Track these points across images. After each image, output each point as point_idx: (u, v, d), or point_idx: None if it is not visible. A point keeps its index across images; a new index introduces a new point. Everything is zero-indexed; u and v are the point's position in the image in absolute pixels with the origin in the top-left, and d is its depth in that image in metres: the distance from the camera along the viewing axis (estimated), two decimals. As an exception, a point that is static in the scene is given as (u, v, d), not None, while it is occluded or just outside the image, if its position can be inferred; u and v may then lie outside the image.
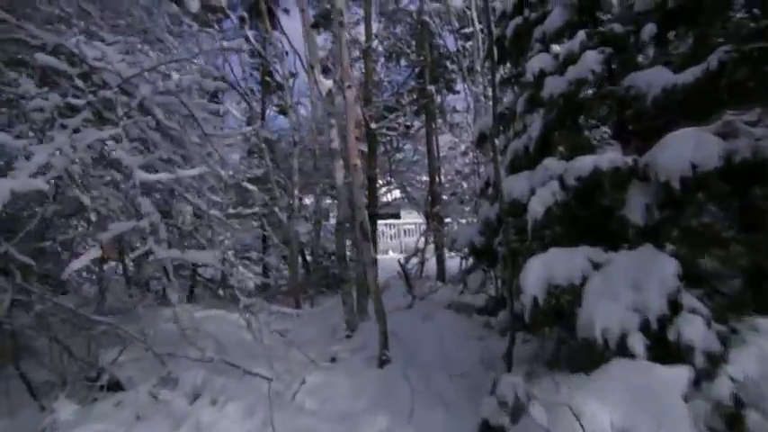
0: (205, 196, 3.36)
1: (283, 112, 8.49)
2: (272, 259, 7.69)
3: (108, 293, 5.33)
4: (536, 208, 2.59)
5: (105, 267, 5.30)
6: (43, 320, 2.98)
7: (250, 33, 8.33)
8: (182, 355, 3.32)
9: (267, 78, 9.62)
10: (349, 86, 3.91)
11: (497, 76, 3.79)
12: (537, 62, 3.26)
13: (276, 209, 5.53)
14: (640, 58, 3.27)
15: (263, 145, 7.00)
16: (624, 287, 2.10)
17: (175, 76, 2.87)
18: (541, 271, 2.35)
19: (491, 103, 3.46)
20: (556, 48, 3.49)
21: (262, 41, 8.96)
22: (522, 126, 3.83)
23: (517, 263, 3.34)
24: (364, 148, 8.03)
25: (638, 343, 1.90)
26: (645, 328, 1.94)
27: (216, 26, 7.82)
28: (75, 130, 2.65)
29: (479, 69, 8.47)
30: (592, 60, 2.74)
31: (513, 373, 2.77)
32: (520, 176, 3.09)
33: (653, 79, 2.67)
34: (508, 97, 5.33)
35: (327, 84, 4.78)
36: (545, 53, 3.39)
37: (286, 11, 10.52)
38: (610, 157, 2.52)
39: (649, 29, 2.82)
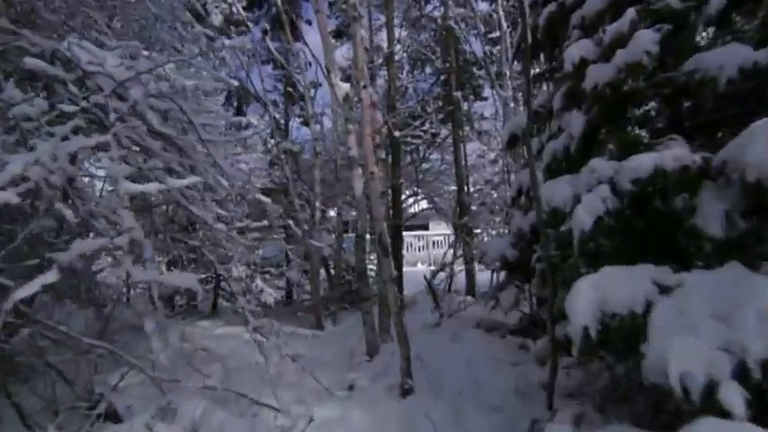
0: (208, 208, 3.09)
1: (307, 122, 8.32)
2: (293, 273, 7.43)
3: (130, 308, 5.21)
4: (583, 218, 2.14)
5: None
6: (35, 343, 2.77)
7: (272, 45, 8.27)
8: (183, 382, 3.04)
9: (290, 89, 9.55)
10: (364, 86, 3.59)
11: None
12: (577, 49, 2.82)
13: (291, 221, 5.24)
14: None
15: (283, 155, 6.79)
16: (706, 318, 1.62)
17: (171, 77, 2.64)
18: (593, 295, 1.90)
19: (522, 105, 3.07)
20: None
21: (284, 53, 8.90)
22: (557, 127, 3.39)
23: (557, 280, 2.91)
24: (384, 155, 7.70)
25: (734, 396, 1.41)
26: (741, 375, 1.45)
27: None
28: (65, 139, 2.43)
29: (508, 73, 8.04)
30: (646, 40, 2.28)
31: (558, 418, 2.30)
32: (560, 181, 2.64)
33: (725, 59, 2.19)
34: (541, 97, 4.89)
35: (345, 87, 4.49)
36: (585, 39, 2.95)
37: (308, 22, 10.51)
38: (675, 154, 2.05)
39: (717, 1, 2.34)
